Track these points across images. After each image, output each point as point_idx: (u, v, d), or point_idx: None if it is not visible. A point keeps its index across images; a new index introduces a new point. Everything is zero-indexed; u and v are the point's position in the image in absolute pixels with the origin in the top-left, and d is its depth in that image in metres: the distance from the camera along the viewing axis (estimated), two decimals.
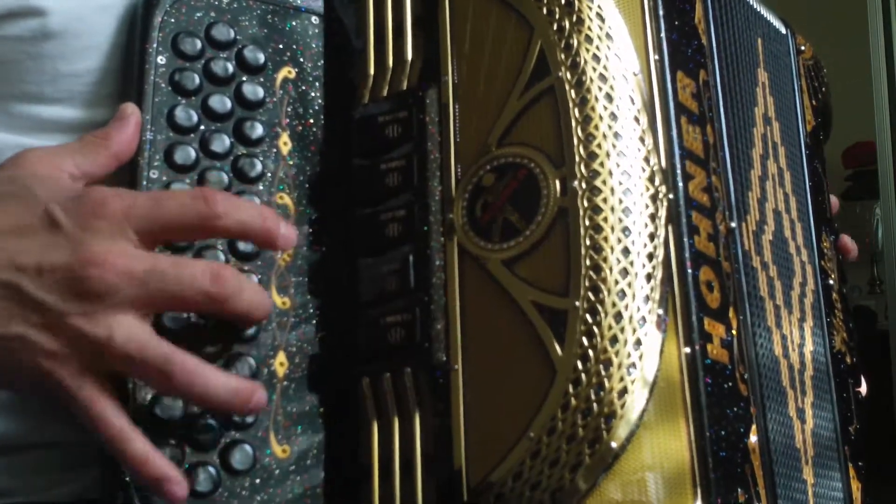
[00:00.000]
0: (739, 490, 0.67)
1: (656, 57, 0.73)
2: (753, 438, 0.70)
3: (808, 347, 0.84)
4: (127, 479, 0.67)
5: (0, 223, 0.65)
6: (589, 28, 0.72)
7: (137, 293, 0.64)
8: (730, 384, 0.69)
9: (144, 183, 0.72)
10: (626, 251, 0.67)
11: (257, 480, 0.70)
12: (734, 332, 0.72)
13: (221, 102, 0.76)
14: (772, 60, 0.91)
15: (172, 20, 0.76)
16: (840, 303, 0.92)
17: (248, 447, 0.70)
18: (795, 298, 0.84)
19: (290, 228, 0.69)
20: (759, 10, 0.92)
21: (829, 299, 0.90)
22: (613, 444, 0.64)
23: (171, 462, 0.65)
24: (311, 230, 0.77)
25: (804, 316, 0.84)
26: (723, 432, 0.67)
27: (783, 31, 0.97)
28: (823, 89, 1.01)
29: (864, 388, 0.95)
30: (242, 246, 0.74)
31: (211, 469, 0.69)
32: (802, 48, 0.99)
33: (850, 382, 0.90)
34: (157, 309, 0.66)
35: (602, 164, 0.69)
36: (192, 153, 0.74)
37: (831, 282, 0.91)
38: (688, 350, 0.67)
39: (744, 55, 0.86)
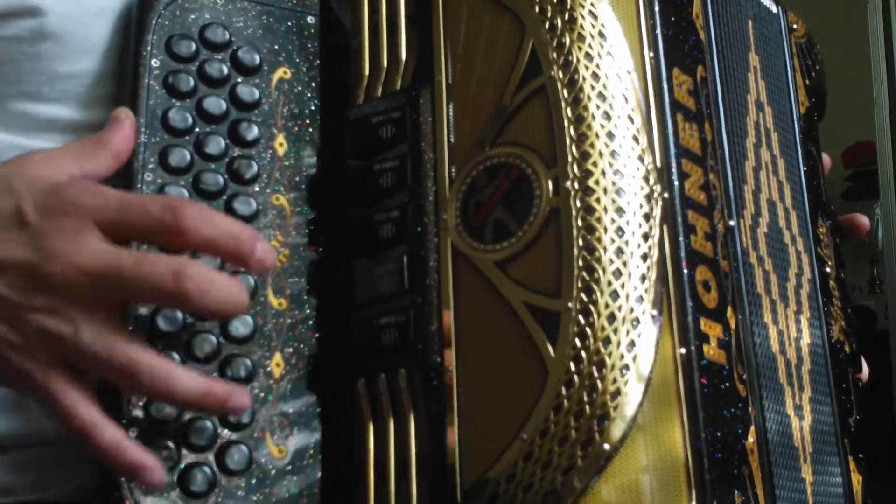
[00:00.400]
0: (736, 492, 0.66)
1: (651, 54, 0.72)
2: (751, 439, 0.70)
3: (806, 340, 0.83)
4: (115, 491, 0.67)
5: None
6: (581, 26, 0.71)
7: (96, 289, 0.64)
8: (727, 385, 0.69)
9: (139, 185, 0.73)
10: (619, 251, 0.67)
11: (253, 481, 0.70)
12: (732, 331, 0.71)
13: (216, 104, 0.76)
14: (763, 42, 0.89)
15: (166, 22, 0.76)
16: (837, 290, 0.91)
17: (244, 447, 0.70)
18: (791, 290, 0.83)
19: (267, 249, 0.67)
20: None
21: (826, 287, 0.88)
22: (606, 446, 0.63)
23: (144, 448, 0.65)
24: (306, 231, 0.77)
25: (801, 308, 0.83)
26: (719, 433, 0.67)
27: (774, 10, 0.94)
28: (817, 67, 0.99)
29: (865, 373, 0.93)
30: None
31: (207, 469, 0.69)
32: (794, 26, 0.96)
33: (850, 372, 0.89)
34: (120, 304, 0.66)
35: (595, 164, 0.68)
36: (187, 155, 0.74)
37: (828, 269, 0.90)
38: (683, 350, 0.66)
39: (737, 42, 0.85)
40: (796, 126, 0.91)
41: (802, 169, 0.90)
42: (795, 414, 0.78)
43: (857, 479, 0.84)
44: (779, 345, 0.78)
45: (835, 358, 0.86)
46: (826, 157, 0.98)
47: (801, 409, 0.79)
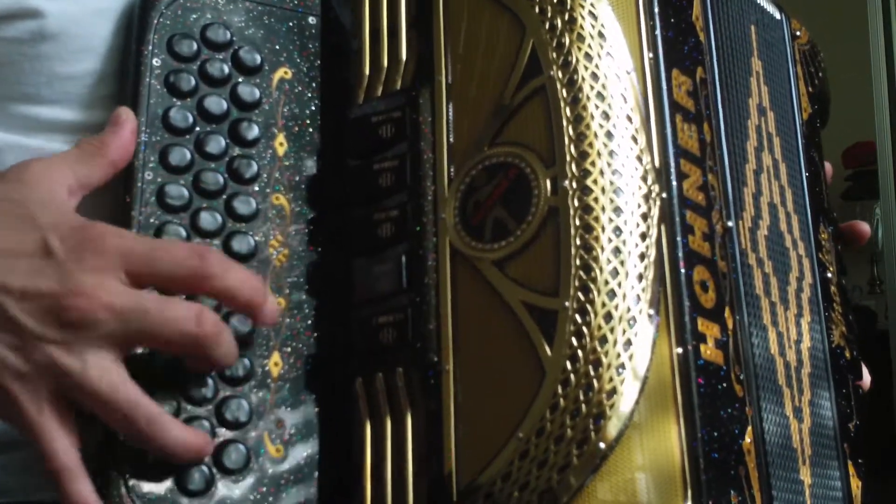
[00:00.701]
0: (732, 492, 0.66)
1: (650, 55, 0.72)
2: (748, 440, 0.70)
3: (806, 344, 0.83)
4: (120, 479, 0.67)
5: None
6: (581, 27, 0.71)
7: (117, 329, 0.64)
8: (724, 385, 0.69)
9: (139, 184, 0.73)
10: (616, 251, 0.67)
11: (251, 480, 0.70)
12: (730, 332, 0.71)
13: (217, 103, 0.77)
14: (766, 48, 0.90)
15: (168, 22, 0.77)
16: (839, 295, 0.91)
17: (242, 447, 0.70)
18: (792, 294, 0.83)
19: (274, 304, 0.70)
20: None
21: (827, 292, 0.88)
22: (602, 445, 0.63)
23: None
24: (306, 230, 0.77)
25: (801, 311, 0.83)
26: (716, 433, 0.67)
27: (777, 16, 0.95)
28: (820, 74, 0.99)
29: (866, 380, 0.93)
30: (237, 246, 0.74)
31: (204, 468, 0.69)
32: (798, 33, 0.97)
33: (850, 377, 0.89)
34: (137, 346, 0.67)
35: (593, 164, 0.68)
36: (188, 154, 0.75)
37: (829, 274, 0.90)
38: (679, 350, 0.66)
39: (738, 46, 0.85)
40: (799, 131, 0.91)
41: (804, 174, 0.90)
42: (794, 416, 0.78)
43: (856, 484, 0.83)
44: (778, 347, 0.78)
45: (835, 362, 0.86)
46: (828, 166, 0.98)
47: (800, 411, 0.79)
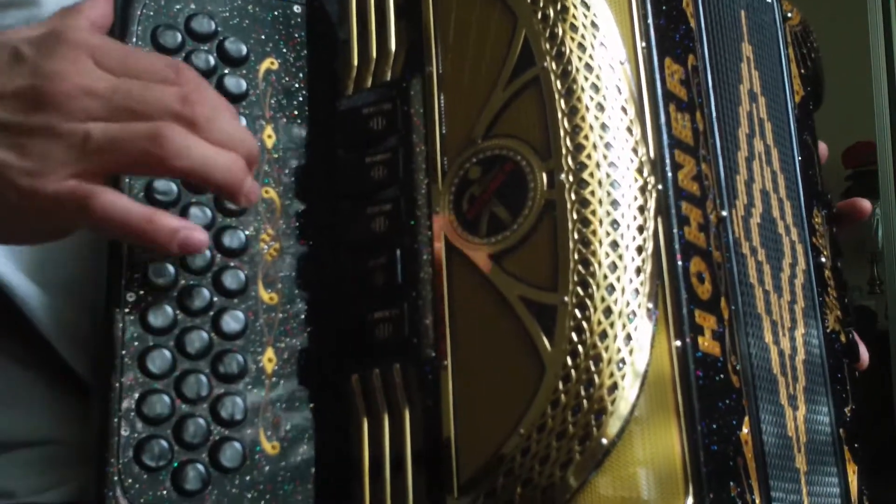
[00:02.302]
0: (732, 483, 0.67)
1: (643, 44, 0.72)
2: (745, 430, 0.70)
3: (800, 331, 0.83)
4: (116, 478, 0.66)
5: None
6: (574, 16, 0.71)
7: (99, 106, 0.63)
8: (721, 376, 0.69)
9: (127, 180, 0.71)
10: (614, 244, 0.66)
11: (247, 477, 0.70)
12: (726, 322, 0.71)
13: None
14: (756, 32, 0.89)
15: (151, 13, 0.75)
16: (833, 279, 0.91)
17: (237, 444, 0.70)
18: (785, 281, 0.83)
19: (254, 185, 0.68)
20: None
21: (822, 277, 0.88)
22: (604, 441, 0.63)
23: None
24: (296, 224, 0.76)
25: (795, 298, 0.84)
26: (714, 425, 0.67)
27: None
28: (813, 56, 0.99)
29: (864, 359, 0.93)
30: (228, 241, 0.73)
31: (200, 466, 0.68)
32: (789, 15, 0.96)
33: (846, 361, 0.89)
34: (119, 123, 0.64)
35: (589, 156, 0.68)
36: None
37: (823, 259, 0.90)
38: (678, 343, 0.66)
39: (729, 31, 0.85)
40: (791, 116, 0.91)
41: (797, 158, 0.90)
42: (790, 405, 0.78)
43: (852, 469, 0.84)
44: (772, 335, 0.78)
45: (830, 348, 0.86)
46: (823, 146, 0.98)
47: (795, 399, 0.79)
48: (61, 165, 0.62)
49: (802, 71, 0.96)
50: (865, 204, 1.01)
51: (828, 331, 0.87)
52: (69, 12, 0.69)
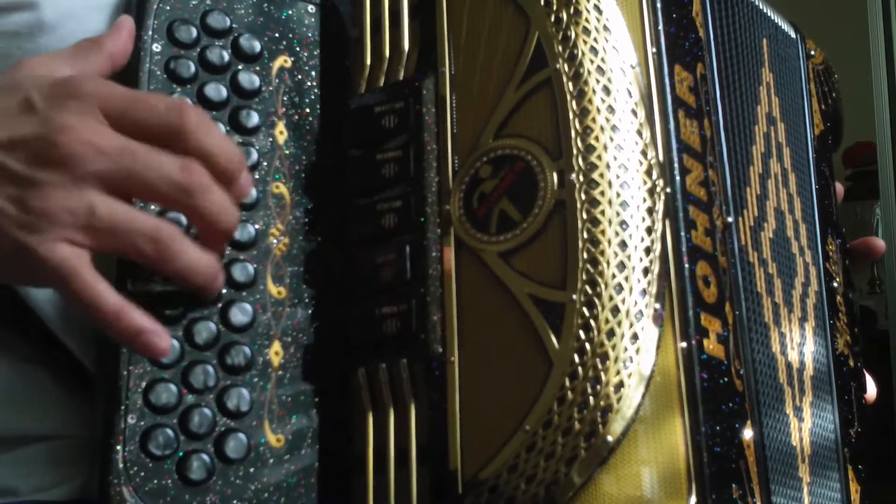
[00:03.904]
0: (734, 485, 0.67)
1: (654, 50, 0.73)
2: (748, 434, 0.70)
3: (809, 347, 0.83)
4: (121, 465, 0.66)
5: None
6: (587, 20, 0.71)
7: (106, 167, 0.63)
8: (725, 379, 0.69)
9: None
10: (623, 245, 0.67)
11: (251, 469, 0.70)
12: (730, 327, 0.72)
13: (217, 91, 0.76)
14: (778, 62, 0.91)
15: (168, 7, 0.76)
16: (844, 306, 0.92)
17: (242, 435, 0.70)
18: (797, 298, 0.84)
19: (248, 179, 0.69)
20: (764, 10, 0.92)
21: (833, 301, 0.89)
22: (609, 438, 0.64)
23: (145, 314, 0.65)
24: (306, 220, 0.77)
25: (805, 315, 0.84)
26: (717, 427, 0.67)
27: (793, 35, 0.97)
28: (834, 95, 1.01)
29: (871, 393, 0.94)
30: (238, 235, 0.73)
31: (205, 457, 0.69)
32: (812, 52, 0.99)
33: (853, 386, 0.90)
34: (125, 191, 0.65)
35: (600, 157, 0.69)
36: None
37: (836, 284, 0.91)
38: (684, 345, 0.67)
39: (746, 52, 0.86)
40: (810, 145, 0.93)
41: (814, 186, 0.91)
42: (795, 415, 0.79)
43: (855, 488, 0.84)
44: (780, 346, 0.79)
45: (838, 369, 0.87)
46: (839, 186, 0.99)
47: (801, 411, 0.80)
48: (60, 228, 0.63)
49: (823, 107, 0.98)
50: (879, 243, 1.02)
51: (837, 352, 0.87)
52: (89, 50, 0.70)
